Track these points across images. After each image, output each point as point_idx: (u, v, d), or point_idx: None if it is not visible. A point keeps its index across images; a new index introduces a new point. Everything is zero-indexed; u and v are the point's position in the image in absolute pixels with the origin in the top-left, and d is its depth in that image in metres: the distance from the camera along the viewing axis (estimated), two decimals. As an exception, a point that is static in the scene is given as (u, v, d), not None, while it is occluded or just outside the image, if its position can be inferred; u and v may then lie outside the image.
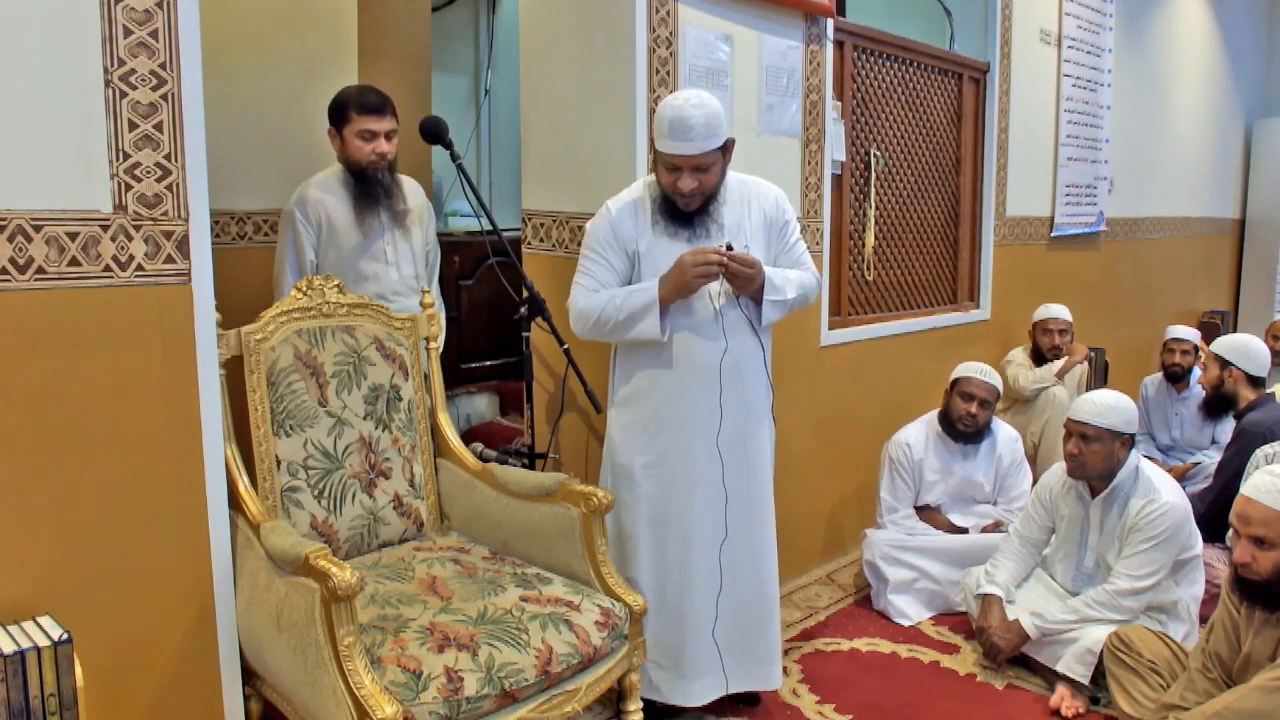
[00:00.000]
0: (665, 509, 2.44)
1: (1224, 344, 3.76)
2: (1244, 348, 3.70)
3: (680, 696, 2.47)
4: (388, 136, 2.75)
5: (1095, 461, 2.78)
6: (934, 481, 3.45)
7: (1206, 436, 4.50)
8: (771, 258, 2.46)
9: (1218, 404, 3.73)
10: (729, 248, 2.29)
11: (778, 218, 2.49)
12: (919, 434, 3.47)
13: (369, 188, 2.76)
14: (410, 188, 2.93)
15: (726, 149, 2.33)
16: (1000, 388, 3.46)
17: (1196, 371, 4.54)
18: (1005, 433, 3.54)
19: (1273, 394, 3.72)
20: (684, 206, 2.35)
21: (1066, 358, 4.30)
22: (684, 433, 2.41)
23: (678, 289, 2.29)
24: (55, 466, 1.79)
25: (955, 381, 3.45)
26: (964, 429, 3.38)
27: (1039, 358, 4.37)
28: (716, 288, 2.36)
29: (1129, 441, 2.80)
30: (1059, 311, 4.39)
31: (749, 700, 2.63)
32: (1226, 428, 4.12)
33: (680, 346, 2.38)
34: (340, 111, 2.73)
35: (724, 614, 2.46)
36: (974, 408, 3.37)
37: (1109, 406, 2.80)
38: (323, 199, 2.77)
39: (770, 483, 2.56)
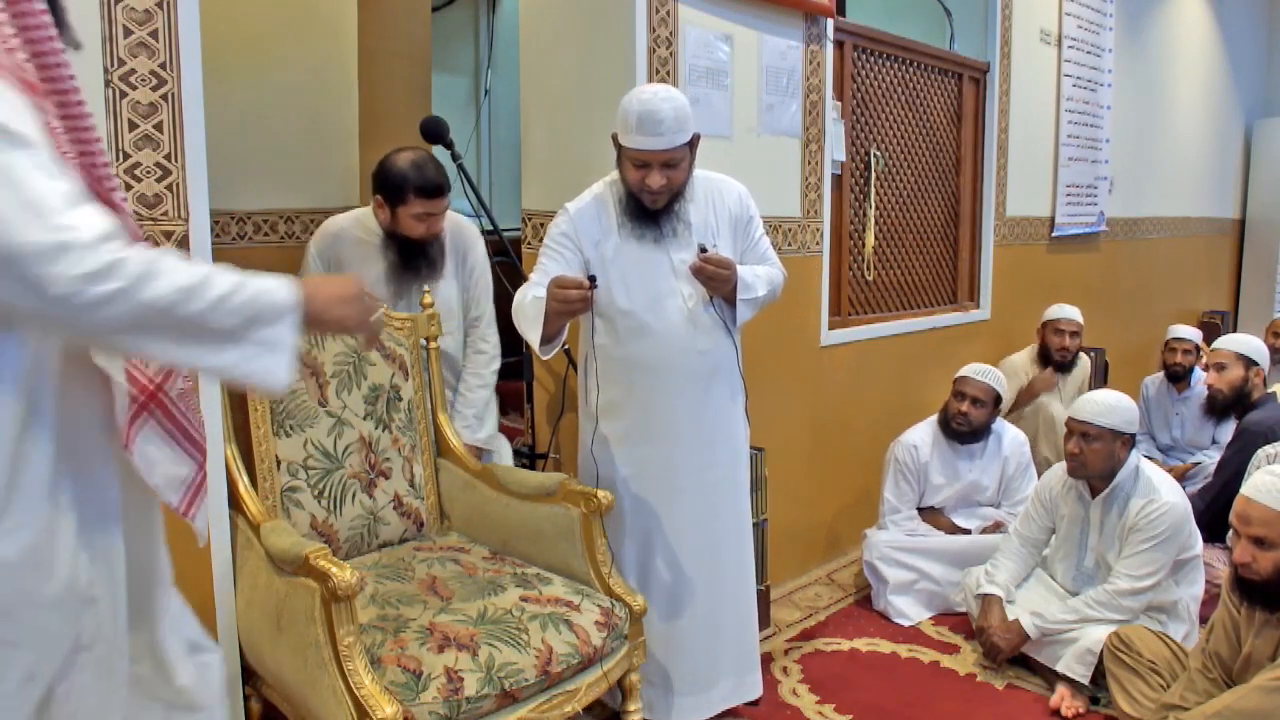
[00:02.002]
0: (649, 521, 2.41)
1: (1240, 343, 3.73)
2: (1258, 346, 3.72)
3: (671, 713, 2.45)
4: (442, 213, 2.60)
5: (1096, 461, 2.78)
6: (940, 485, 3.44)
7: (1207, 436, 4.50)
8: (738, 255, 2.40)
9: (1234, 404, 3.67)
10: (703, 249, 2.24)
11: (742, 214, 2.43)
12: (925, 436, 3.46)
13: (411, 261, 2.62)
14: (454, 232, 2.75)
15: (694, 144, 2.27)
16: (1000, 389, 3.44)
17: (1198, 371, 4.54)
18: (1011, 435, 3.52)
19: (1274, 393, 3.71)
20: (650, 205, 2.28)
21: (1026, 387, 4.19)
22: (665, 441, 2.37)
23: (548, 317, 2.14)
24: (55, 466, 1.79)
25: (954, 381, 3.46)
26: (957, 427, 3.38)
27: (1046, 358, 4.30)
28: (690, 290, 2.32)
29: (1130, 441, 2.80)
30: (1071, 313, 4.31)
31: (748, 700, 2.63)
32: (1227, 428, 4.11)
33: (656, 353, 2.33)
34: (396, 191, 2.53)
35: (710, 624, 2.45)
36: (965, 406, 3.36)
37: (1110, 406, 2.80)
38: (350, 252, 2.65)
39: (747, 485, 2.56)
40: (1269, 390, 3.71)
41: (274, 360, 1.19)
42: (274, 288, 1.19)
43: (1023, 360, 4.41)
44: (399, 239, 2.59)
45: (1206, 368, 3.88)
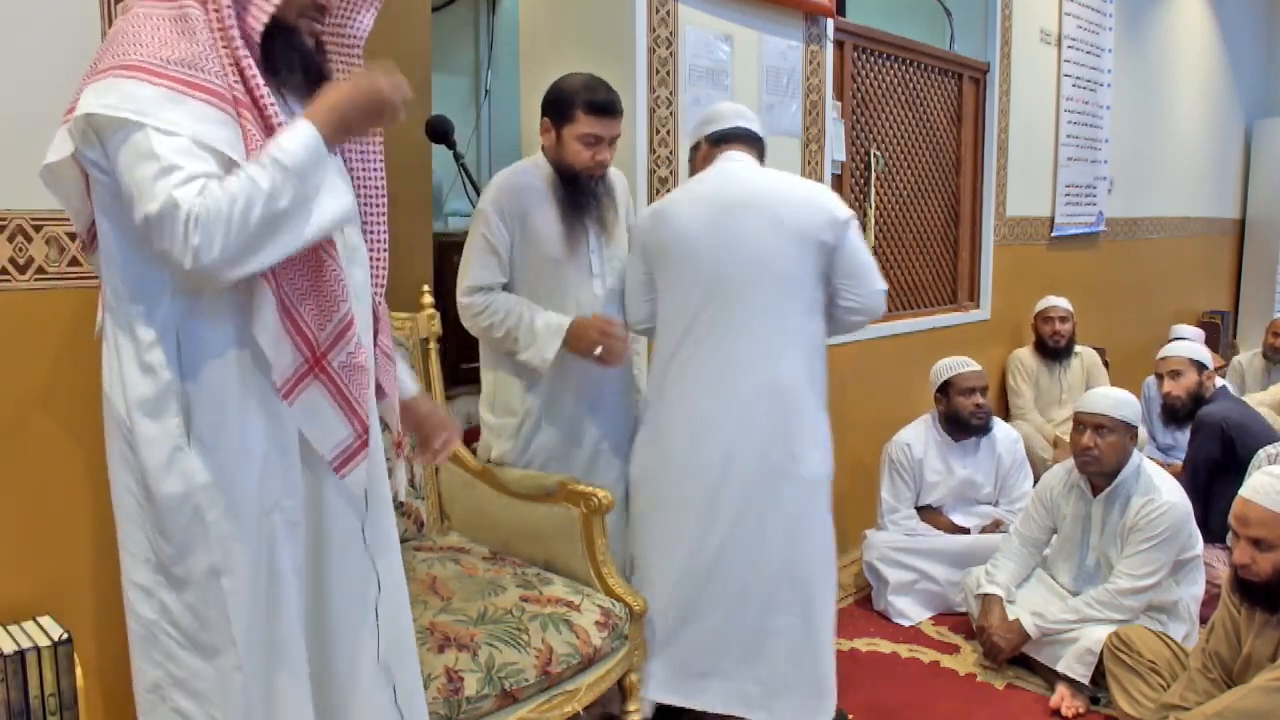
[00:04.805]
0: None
1: (1189, 350, 3.81)
2: (1204, 350, 3.81)
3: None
4: (611, 143, 2.34)
5: (1111, 454, 2.78)
6: (936, 482, 3.45)
7: (1207, 436, 4.51)
8: None
9: (1192, 409, 3.66)
10: None
11: None
12: (918, 434, 3.48)
13: (579, 196, 2.35)
14: (619, 183, 2.51)
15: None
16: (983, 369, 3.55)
17: None
18: (1005, 433, 3.55)
19: (1225, 386, 3.84)
20: None
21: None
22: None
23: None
24: (56, 465, 1.79)
25: (947, 384, 3.45)
26: (978, 423, 3.41)
27: (1042, 347, 4.48)
28: None
29: (1135, 435, 2.83)
30: (1057, 301, 4.52)
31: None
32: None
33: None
34: (563, 107, 2.30)
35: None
36: (980, 399, 3.41)
37: (1122, 400, 2.83)
38: (521, 196, 2.36)
39: None
40: (1221, 385, 3.81)
41: (330, 192, 1.37)
42: (295, 138, 1.34)
43: (1022, 351, 4.59)
44: (565, 174, 2.35)
45: (1159, 376, 3.88)
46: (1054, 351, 4.47)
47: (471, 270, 2.34)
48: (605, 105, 2.29)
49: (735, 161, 2.35)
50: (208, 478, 1.37)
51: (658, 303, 2.35)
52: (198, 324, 1.37)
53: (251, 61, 1.37)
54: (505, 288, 2.37)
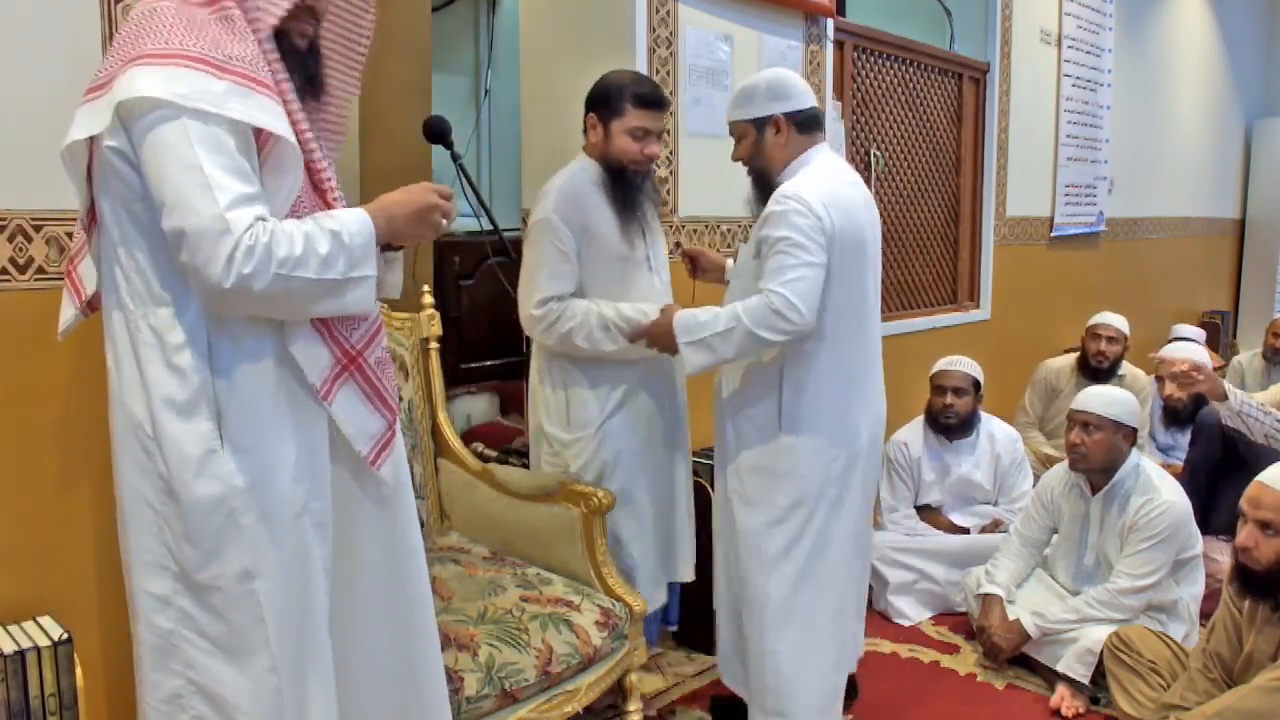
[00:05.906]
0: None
1: (1193, 352, 3.77)
2: (1203, 350, 3.77)
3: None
4: (659, 137, 2.35)
5: (1098, 452, 2.78)
6: (932, 481, 3.45)
7: (1207, 436, 4.49)
8: None
9: (1194, 412, 3.63)
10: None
11: None
12: (915, 434, 3.49)
13: (629, 191, 2.34)
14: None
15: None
16: (977, 375, 3.46)
17: None
18: (1004, 432, 3.54)
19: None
20: None
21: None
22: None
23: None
24: (56, 465, 1.79)
25: (930, 379, 3.49)
26: (946, 421, 3.41)
27: (1085, 364, 4.17)
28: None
29: (1131, 436, 2.82)
30: (1111, 318, 4.19)
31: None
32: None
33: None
34: (611, 100, 2.29)
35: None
36: (948, 398, 3.40)
37: (1113, 398, 2.83)
38: (580, 202, 2.32)
39: None
40: None
41: (366, 290, 1.40)
42: (355, 222, 1.40)
43: (1059, 363, 4.33)
44: (613, 168, 2.33)
45: (1160, 379, 3.85)
46: (1094, 372, 4.10)
47: (544, 282, 2.30)
48: (653, 98, 2.32)
49: (838, 158, 2.28)
50: (244, 480, 1.35)
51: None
52: (230, 325, 1.36)
53: (279, 60, 1.38)
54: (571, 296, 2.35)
